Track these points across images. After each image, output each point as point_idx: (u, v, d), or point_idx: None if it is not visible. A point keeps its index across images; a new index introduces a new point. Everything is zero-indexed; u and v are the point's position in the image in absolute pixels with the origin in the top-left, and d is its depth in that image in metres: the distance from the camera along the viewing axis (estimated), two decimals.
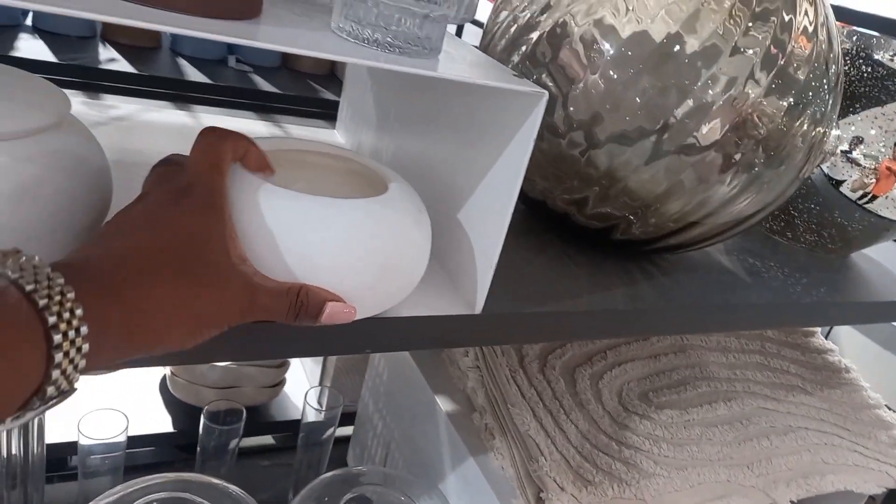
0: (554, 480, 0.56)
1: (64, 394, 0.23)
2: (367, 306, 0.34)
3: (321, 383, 0.87)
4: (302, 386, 0.90)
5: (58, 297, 0.22)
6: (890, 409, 0.84)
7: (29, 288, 0.22)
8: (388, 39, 0.31)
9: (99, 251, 0.26)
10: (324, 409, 0.72)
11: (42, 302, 0.22)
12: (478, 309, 0.40)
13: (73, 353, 0.22)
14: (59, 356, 0.22)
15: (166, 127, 0.54)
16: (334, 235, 0.31)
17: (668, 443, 0.65)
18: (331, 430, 0.73)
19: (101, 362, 0.24)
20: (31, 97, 0.31)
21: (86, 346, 0.23)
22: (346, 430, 0.86)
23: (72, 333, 0.22)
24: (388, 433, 0.76)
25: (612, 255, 0.54)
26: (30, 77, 0.33)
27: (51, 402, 0.23)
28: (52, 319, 0.22)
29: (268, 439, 0.89)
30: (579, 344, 0.70)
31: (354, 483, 0.63)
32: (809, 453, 0.71)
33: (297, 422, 0.74)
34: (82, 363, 0.23)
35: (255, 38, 0.30)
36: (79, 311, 0.23)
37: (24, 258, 0.23)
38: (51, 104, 0.31)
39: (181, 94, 0.61)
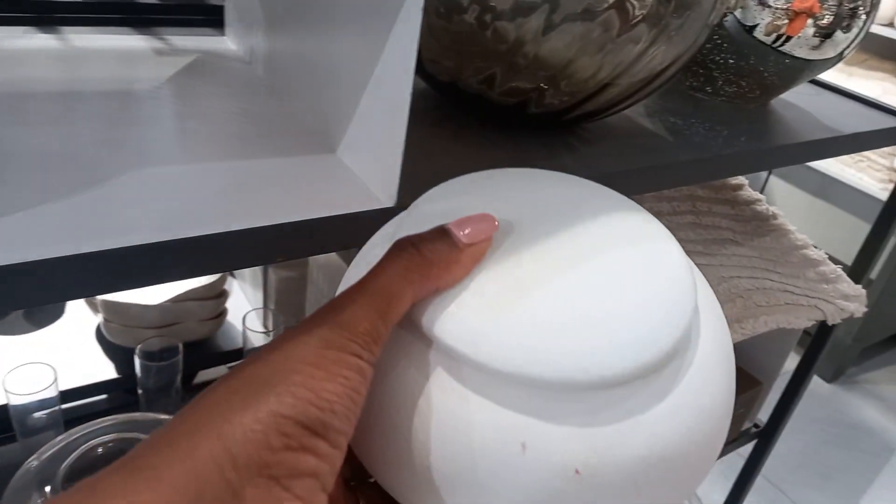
0: None
1: None
2: None
3: (265, 306, 0.86)
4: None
5: None
6: (816, 247, 0.88)
7: None
8: None
9: None
10: (268, 330, 0.71)
11: None
12: (391, 202, 0.38)
13: None
14: None
15: (31, 54, 0.48)
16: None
17: None
18: None
19: None
20: None
21: None
22: None
23: None
24: None
25: (532, 132, 0.52)
26: None
27: None
28: None
29: (221, 370, 0.88)
30: None
31: None
32: (742, 299, 0.73)
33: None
34: None
35: None
36: None
37: None
38: None
39: (47, 16, 0.54)
